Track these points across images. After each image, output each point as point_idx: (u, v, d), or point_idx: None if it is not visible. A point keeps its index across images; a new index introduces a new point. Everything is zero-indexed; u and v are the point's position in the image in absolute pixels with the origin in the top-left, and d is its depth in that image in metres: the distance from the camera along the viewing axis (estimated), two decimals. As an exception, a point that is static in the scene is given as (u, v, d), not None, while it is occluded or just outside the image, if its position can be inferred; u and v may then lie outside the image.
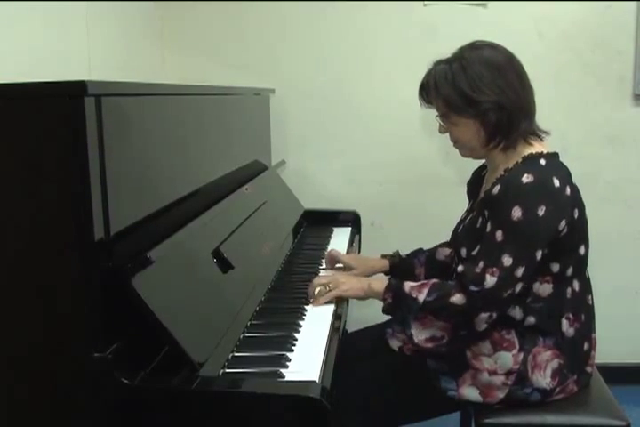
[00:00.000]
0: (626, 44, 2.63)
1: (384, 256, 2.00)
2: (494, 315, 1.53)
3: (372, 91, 2.72)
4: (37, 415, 1.22)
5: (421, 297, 1.55)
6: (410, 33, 2.67)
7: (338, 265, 2.00)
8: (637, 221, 2.75)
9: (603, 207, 2.62)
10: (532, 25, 2.64)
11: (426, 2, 2.65)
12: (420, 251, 1.96)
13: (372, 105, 2.73)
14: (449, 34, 2.58)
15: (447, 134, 1.68)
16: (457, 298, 1.52)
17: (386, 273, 1.98)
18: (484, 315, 1.52)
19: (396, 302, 1.60)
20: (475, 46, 1.60)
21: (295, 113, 2.75)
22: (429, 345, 1.57)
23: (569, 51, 2.66)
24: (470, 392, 1.58)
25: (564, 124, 2.62)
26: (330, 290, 1.70)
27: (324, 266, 2.02)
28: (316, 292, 1.70)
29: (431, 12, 2.65)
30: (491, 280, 1.49)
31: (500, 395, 1.57)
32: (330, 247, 2.25)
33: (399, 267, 1.95)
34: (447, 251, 1.91)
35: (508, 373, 1.56)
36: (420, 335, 1.57)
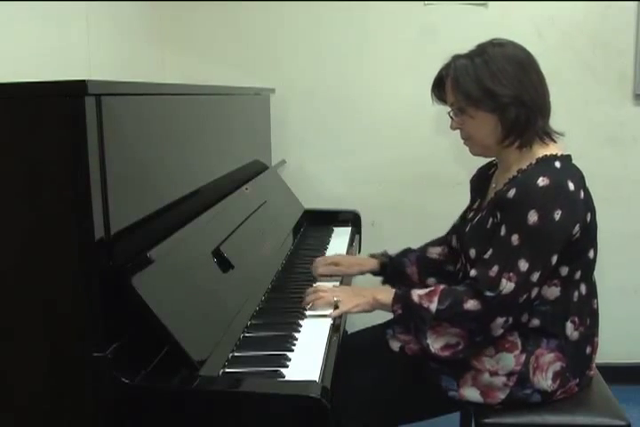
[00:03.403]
0: (626, 43, 2.63)
1: (372, 256, 1.98)
2: (510, 320, 1.51)
3: (372, 91, 2.72)
4: (37, 415, 1.22)
5: (433, 306, 1.52)
6: (410, 33, 2.67)
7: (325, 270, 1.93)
8: (637, 220, 2.75)
9: (602, 207, 2.59)
10: (532, 25, 2.64)
11: (426, 2, 2.65)
12: (408, 250, 1.94)
13: (372, 105, 2.73)
14: (449, 34, 2.59)
15: (449, 134, 1.67)
16: (471, 304, 1.50)
17: (375, 273, 1.96)
18: (501, 320, 1.50)
19: (407, 312, 1.57)
20: (496, 43, 1.59)
21: (295, 113, 2.75)
22: (446, 353, 1.53)
23: (569, 51, 2.66)
24: (471, 393, 1.57)
25: (564, 124, 2.59)
26: (336, 306, 1.65)
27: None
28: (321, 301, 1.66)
29: (431, 11, 2.65)
30: (508, 286, 1.47)
31: (501, 396, 1.56)
32: (330, 247, 2.26)
33: (389, 266, 1.93)
34: (438, 249, 1.89)
35: (510, 374, 1.56)
36: (435, 344, 1.53)
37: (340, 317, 1.63)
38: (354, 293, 1.69)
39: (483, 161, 1.80)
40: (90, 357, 1.15)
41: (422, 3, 2.65)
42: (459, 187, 2.38)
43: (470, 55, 1.58)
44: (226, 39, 2.71)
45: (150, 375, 1.19)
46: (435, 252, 1.90)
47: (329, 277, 1.91)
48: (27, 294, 1.18)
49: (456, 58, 1.60)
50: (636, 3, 2.61)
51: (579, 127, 2.67)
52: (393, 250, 2.00)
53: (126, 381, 1.15)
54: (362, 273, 1.97)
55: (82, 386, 1.18)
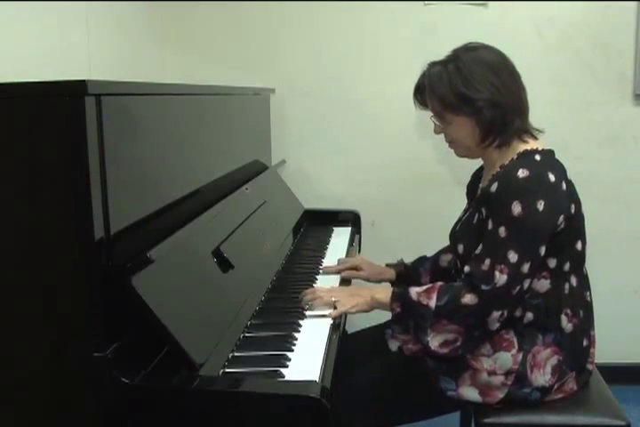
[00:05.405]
0: (626, 43, 2.63)
1: (389, 265, 2.00)
2: (505, 313, 1.52)
3: (371, 90, 2.72)
4: (37, 415, 1.22)
5: (432, 303, 1.53)
6: (410, 33, 2.67)
7: (343, 274, 1.96)
8: (636, 220, 2.75)
9: (602, 207, 2.62)
10: (532, 25, 2.64)
11: (426, 2, 2.65)
12: (423, 258, 1.97)
13: (372, 105, 2.73)
14: (449, 34, 2.59)
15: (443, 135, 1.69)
16: (468, 298, 1.50)
17: (392, 282, 1.97)
18: (497, 313, 1.51)
19: (406, 310, 1.57)
20: (469, 47, 1.63)
21: (295, 113, 2.75)
22: (445, 351, 1.54)
23: (569, 51, 2.66)
24: (470, 392, 1.58)
25: (564, 124, 2.62)
26: (335, 306, 1.64)
27: (323, 266, 2.02)
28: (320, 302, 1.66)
29: (431, 11, 2.65)
30: (501, 278, 1.49)
31: (500, 395, 1.57)
32: (330, 247, 2.25)
33: (405, 275, 1.95)
34: (449, 257, 1.90)
35: (508, 373, 1.56)
36: (434, 341, 1.53)
37: (339, 317, 1.64)
38: (352, 293, 1.70)
39: (482, 161, 1.80)
40: (90, 357, 1.15)
41: (422, 3, 2.65)
42: (459, 187, 2.39)
43: (444, 62, 1.62)
44: (226, 39, 2.71)
45: (150, 375, 1.19)
46: (446, 260, 1.92)
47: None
48: (26, 294, 1.18)
49: (431, 65, 1.64)
50: (636, 3, 2.61)
51: (579, 127, 2.67)
52: (393, 250, 2.00)
53: (126, 381, 1.15)
54: (379, 282, 1.99)
55: (82, 386, 1.18)
